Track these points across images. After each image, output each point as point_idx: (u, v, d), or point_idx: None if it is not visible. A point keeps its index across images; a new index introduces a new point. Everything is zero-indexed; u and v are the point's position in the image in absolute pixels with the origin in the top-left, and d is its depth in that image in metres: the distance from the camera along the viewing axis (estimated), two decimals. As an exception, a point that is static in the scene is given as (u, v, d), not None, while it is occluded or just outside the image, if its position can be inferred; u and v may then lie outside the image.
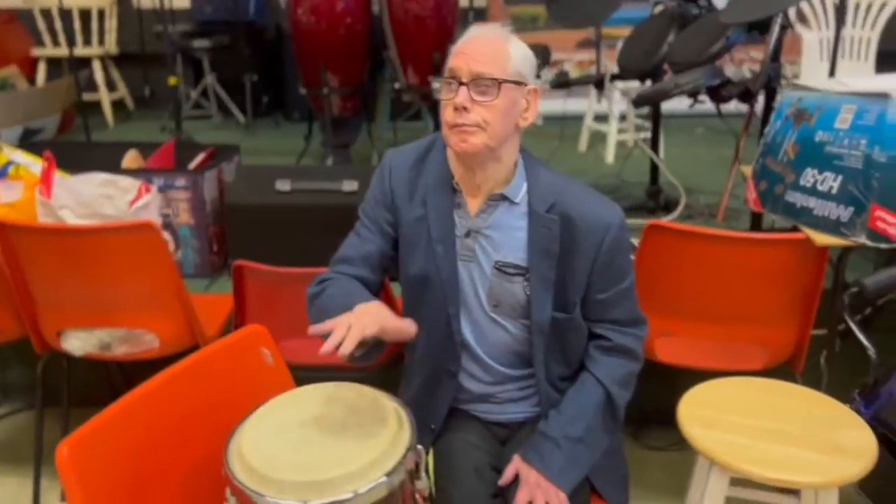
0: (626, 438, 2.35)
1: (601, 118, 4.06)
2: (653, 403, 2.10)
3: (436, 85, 1.38)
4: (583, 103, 4.12)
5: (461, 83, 1.33)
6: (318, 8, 3.22)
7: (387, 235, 1.49)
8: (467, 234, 1.45)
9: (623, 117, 3.94)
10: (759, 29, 2.27)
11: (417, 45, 3.28)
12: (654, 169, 3.09)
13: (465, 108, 1.32)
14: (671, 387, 1.71)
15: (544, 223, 1.42)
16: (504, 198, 1.43)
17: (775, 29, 2.17)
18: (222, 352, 1.27)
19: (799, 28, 3.48)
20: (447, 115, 1.35)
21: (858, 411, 1.54)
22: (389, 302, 1.73)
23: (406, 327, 1.26)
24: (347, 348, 1.11)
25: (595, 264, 1.42)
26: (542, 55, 2.87)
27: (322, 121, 3.44)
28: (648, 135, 3.86)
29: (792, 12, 3.55)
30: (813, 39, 3.38)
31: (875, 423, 1.54)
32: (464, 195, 1.45)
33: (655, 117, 2.99)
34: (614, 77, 2.90)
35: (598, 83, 2.92)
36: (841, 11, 2.38)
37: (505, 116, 1.35)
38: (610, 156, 3.86)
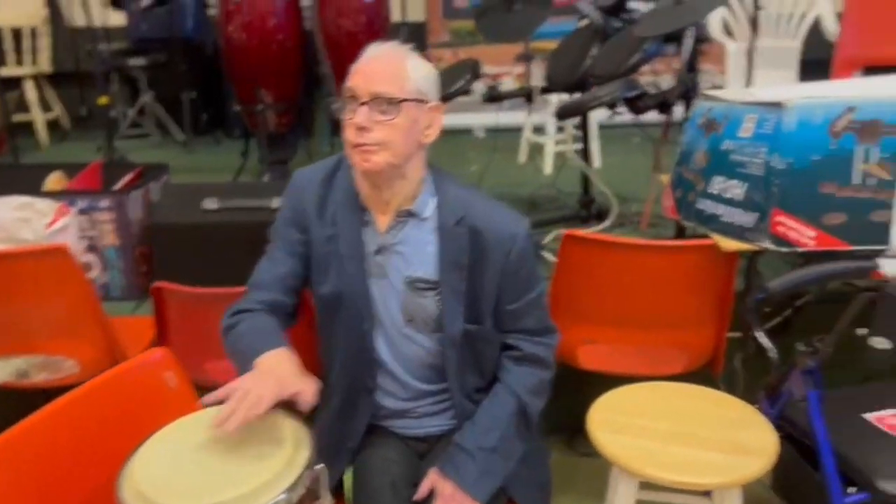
0: (559, 445, 2.38)
1: (541, 129, 4.12)
2: (585, 411, 2.13)
3: (336, 105, 1.39)
4: (522, 115, 4.18)
5: (361, 103, 1.34)
6: (249, 25, 3.22)
7: (299, 255, 1.49)
8: (378, 251, 1.46)
9: (561, 128, 4.01)
10: (675, 41, 2.33)
11: (350, 60, 3.27)
12: (587, 179, 3.15)
13: (365, 128, 1.34)
14: (603, 394, 1.73)
15: (453, 237, 1.44)
16: (413, 214, 1.45)
17: (688, 41, 2.24)
18: (122, 377, 1.25)
19: (723, 38, 3.59)
20: (349, 134, 1.36)
21: (764, 411, 1.59)
22: (311, 317, 1.73)
23: (304, 395, 1.20)
24: (232, 426, 1.09)
25: (503, 275, 1.45)
26: (472, 70, 2.91)
27: (258, 137, 3.43)
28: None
29: (718, 24, 3.66)
30: (736, 50, 3.48)
31: (780, 421, 1.60)
32: (372, 212, 1.46)
33: (584, 128, 3.05)
34: (544, 90, 2.95)
35: (528, 96, 2.97)
36: (754, 24, 2.46)
37: (406, 134, 1.37)
38: (548, 166, 3.92)
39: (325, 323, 1.52)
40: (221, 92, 4.67)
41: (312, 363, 1.68)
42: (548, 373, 1.52)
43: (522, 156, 4.19)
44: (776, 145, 1.70)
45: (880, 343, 1.26)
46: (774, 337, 2.23)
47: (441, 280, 1.44)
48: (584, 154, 3.12)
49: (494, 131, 4.58)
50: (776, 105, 1.71)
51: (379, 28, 3.33)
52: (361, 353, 1.49)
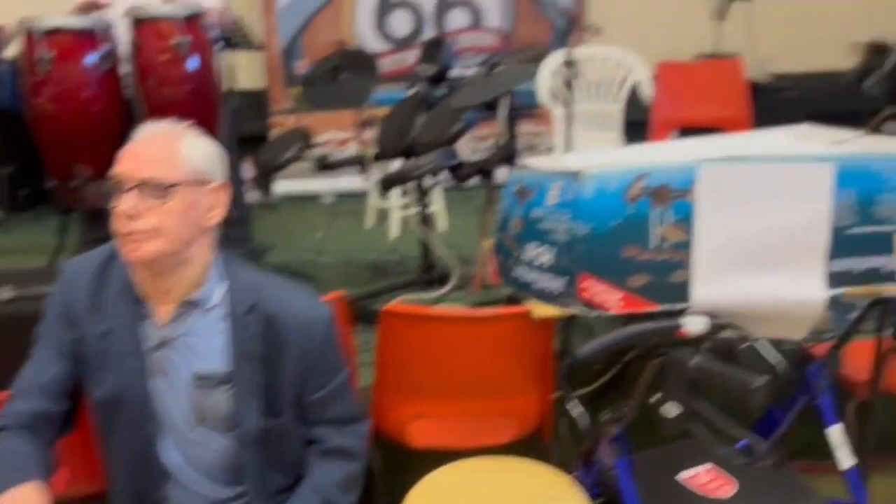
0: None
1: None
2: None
3: (104, 191, 1.28)
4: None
5: (129, 188, 1.24)
6: (61, 96, 3.00)
7: (68, 356, 1.35)
8: (159, 346, 1.34)
9: (405, 192, 4.01)
10: (493, 110, 2.39)
11: (178, 130, 3.14)
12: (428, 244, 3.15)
13: (134, 216, 1.24)
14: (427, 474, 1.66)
15: (246, 325, 1.35)
16: (198, 302, 1.34)
17: (503, 110, 2.30)
18: None
19: (550, 104, 3.75)
20: (116, 223, 1.25)
21: (581, 479, 1.57)
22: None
23: None
24: None
25: (304, 364, 1.37)
26: (303, 138, 2.85)
27: (78, 214, 3.19)
28: (432, 208, 3.96)
29: (545, 91, 3.83)
30: (561, 114, 3.64)
31: (597, 488, 1.59)
32: (152, 304, 1.35)
33: (421, 193, 3.05)
34: (377, 157, 2.94)
35: (361, 163, 2.94)
36: (570, 90, 2.57)
37: (183, 220, 1.28)
38: (394, 231, 3.90)
39: (104, 429, 1.38)
40: (45, 165, 4.34)
41: (95, 474, 1.51)
42: (358, 464, 1.45)
43: (370, 220, 4.16)
44: (577, 212, 1.74)
45: (671, 410, 1.27)
46: (606, 393, 2.27)
47: (233, 373, 1.35)
48: (423, 218, 3.12)
49: (343, 196, 4.55)
50: (575, 174, 1.75)
51: (207, 96, 3.21)
52: (146, 461, 1.35)
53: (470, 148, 4.36)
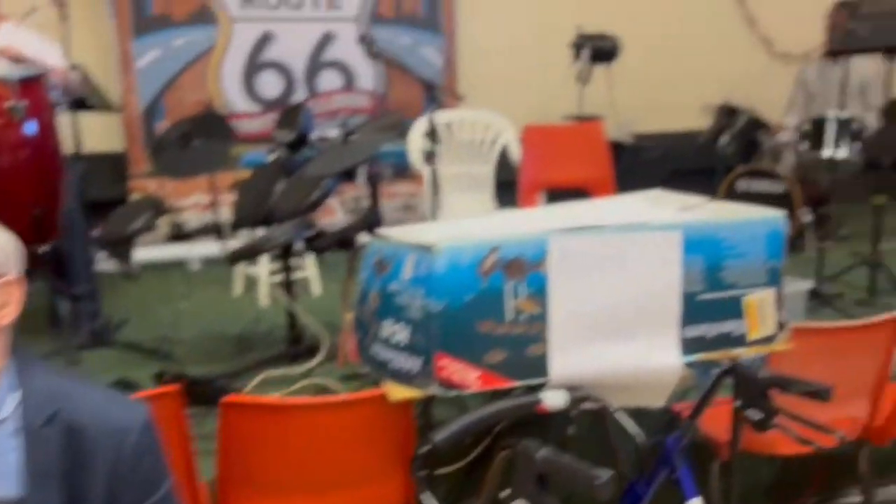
0: None
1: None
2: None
3: None
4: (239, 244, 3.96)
5: None
6: None
7: None
8: (-67, 470, 1.14)
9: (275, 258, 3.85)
10: (351, 178, 2.32)
11: (14, 200, 2.87)
12: (294, 314, 3.00)
13: None
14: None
15: (42, 439, 1.17)
16: (-17, 416, 1.16)
17: (361, 178, 2.23)
18: None
19: (422, 167, 3.73)
20: None
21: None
22: None
23: None
24: None
25: (115, 479, 1.20)
26: (155, 206, 2.67)
27: None
28: (304, 273, 3.81)
29: (417, 154, 3.81)
30: (430, 177, 3.63)
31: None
32: (-74, 420, 1.15)
33: (285, 260, 2.91)
34: (235, 225, 2.79)
35: (218, 231, 2.78)
36: (434, 158, 2.53)
37: None
38: (263, 299, 3.72)
39: None
40: None
41: None
42: (185, 586, 1.27)
43: (238, 288, 3.95)
44: (431, 288, 1.67)
45: (521, 507, 1.20)
46: (474, 470, 2.18)
47: (28, 497, 1.16)
48: (287, 286, 2.97)
49: (210, 263, 4.31)
50: (428, 248, 1.69)
51: (48, 162, 2.96)
52: None
53: (344, 209, 4.28)
